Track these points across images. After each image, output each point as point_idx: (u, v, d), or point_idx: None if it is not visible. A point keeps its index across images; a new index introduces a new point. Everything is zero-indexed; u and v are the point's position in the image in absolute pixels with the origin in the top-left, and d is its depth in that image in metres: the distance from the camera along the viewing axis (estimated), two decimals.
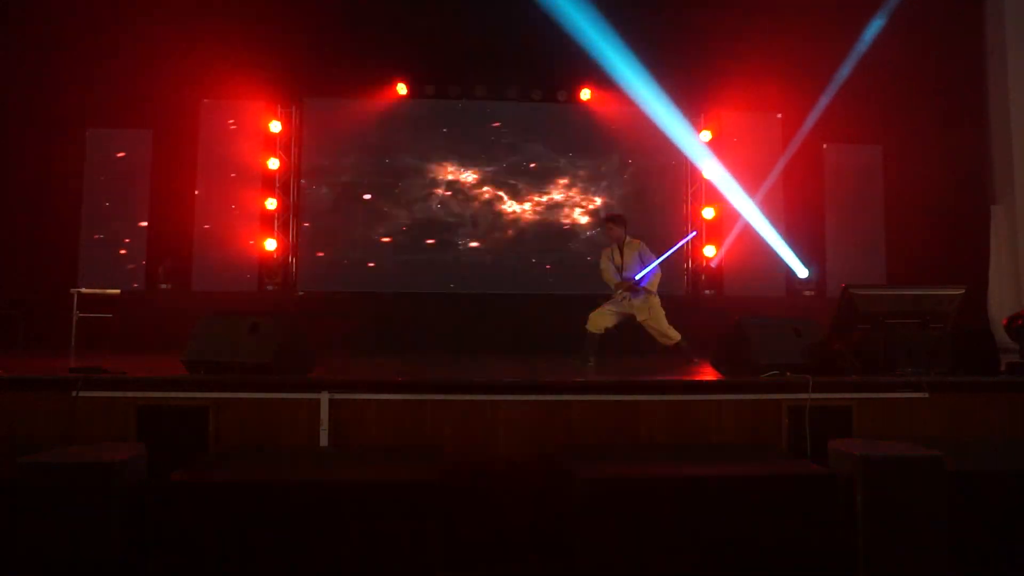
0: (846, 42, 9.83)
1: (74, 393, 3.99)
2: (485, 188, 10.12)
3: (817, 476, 3.41)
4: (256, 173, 9.98)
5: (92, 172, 9.73)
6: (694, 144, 10.36)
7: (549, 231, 10.11)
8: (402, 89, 9.96)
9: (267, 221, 9.96)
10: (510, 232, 10.08)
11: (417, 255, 9.93)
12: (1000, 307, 9.25)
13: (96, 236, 9.64)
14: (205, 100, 9.91)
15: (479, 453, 4.17)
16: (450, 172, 10.11)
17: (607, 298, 6.94)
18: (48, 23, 9.29)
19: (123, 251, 9.69)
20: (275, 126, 9.97)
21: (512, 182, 10.15)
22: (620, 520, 3.26)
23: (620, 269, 6.84)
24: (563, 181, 10.18)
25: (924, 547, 3.29)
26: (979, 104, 9.85)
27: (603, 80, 9.97)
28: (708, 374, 4.80)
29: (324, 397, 4.12)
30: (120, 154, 9.80)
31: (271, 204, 9.94)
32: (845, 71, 9.61)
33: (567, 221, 10.15)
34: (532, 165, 10.17)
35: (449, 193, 10.08)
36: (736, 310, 7.87)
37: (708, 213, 10.23)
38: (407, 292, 9.60)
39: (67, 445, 3.46)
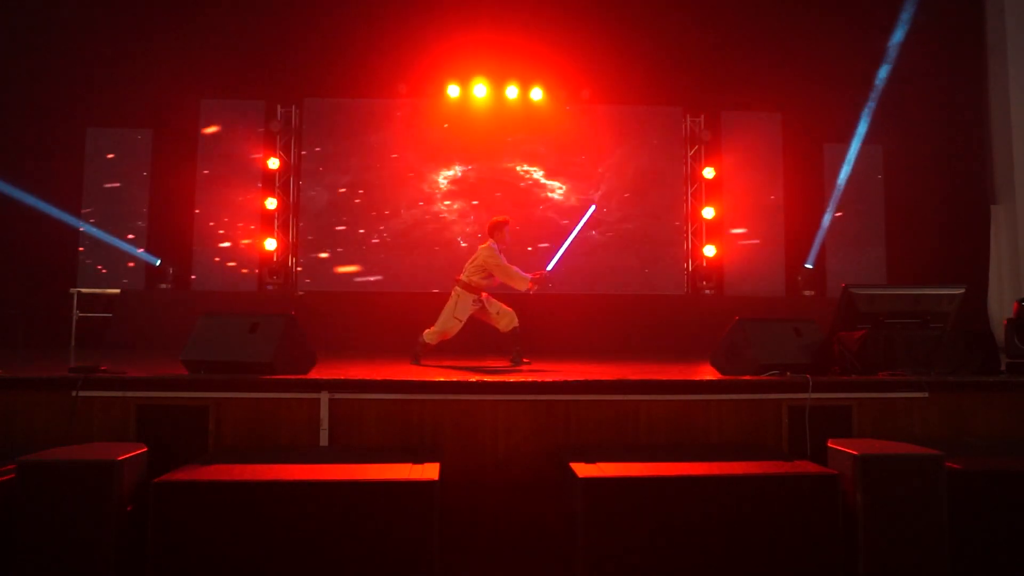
0: (847, 41, 9.83)
1: (74, 393, 3.99)
2: (485, 188, 10.12)
3: (817, 476, 3.40)
4: (256, 173, 9.99)
5: (92, 172, 9.73)
6: (694, 144, 10.37)
7: (549, 231, 10.11)
8: (402, 89, 9.96)
9: (267, 221, 9.97)
10: (510, 232, 10.06)
11: (417, 254, 9.93)
12: (1000, 307, 9.24)
13: (96, 236, 9.64)
14: (205, 100, 9.91)
15: (479, 453, 4.17)
16: (450, 172, 10.11)
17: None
18: (48, 23, 9.28)
19: (123, 251, 9.69)
20: (275, 126, 9.97)
21: (512, 182, 10.15)
22: (620, 520, 3.26)
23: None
24: (563, 181, 10.18)
25: (924, 546, 3.29)
26: (979, 104, 9.84)
27: (603, 80, 9.98)
28: (708, 374, 4.80)
29: (324, 397, 4.11)
30: (120, 154, 9.81)
31: (271, 204, 9.94)
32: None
33: (567, 221, 10.14)
34: (532, 165, 10.17)
35: (449, 193, 10.08)
36: (736, 310, 7.86)
37: (708, 213, 10.24)
38: (407, 292, 9.60)
39: (67, 445, 3.46)
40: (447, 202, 10.06)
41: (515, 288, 6.43)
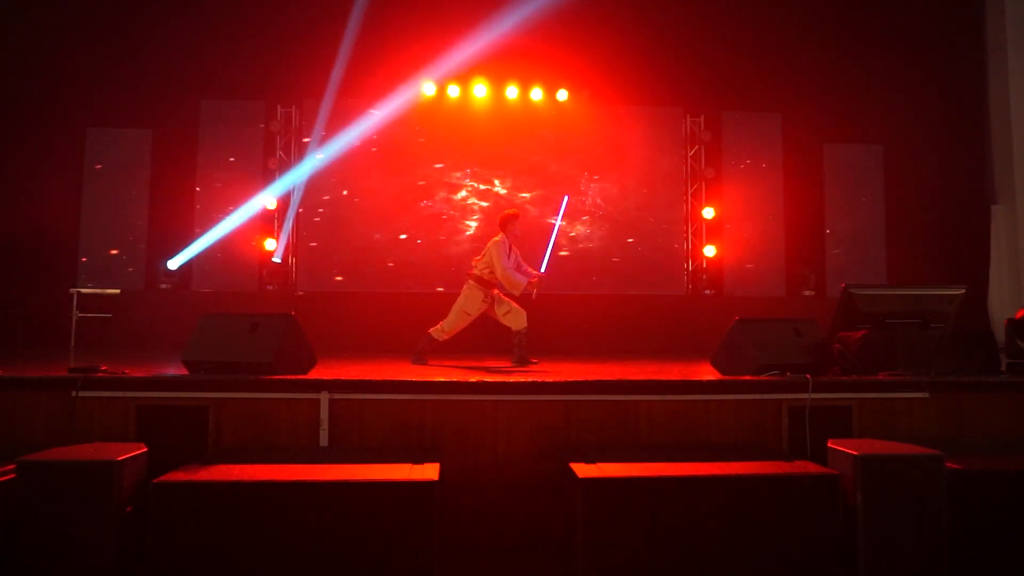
0: (846, 41, 9.84)
1: (74, 393, 3.99)
2: (485, 188, 10.12)
3: (817, 476, 3.41)
4: (256, 173, 9.98)
5: (92, 172, 9.73)
6: (694, 144, 10.36)
7: (549, 230, 10.08)
8: (402, 90, 9.95)
9: (267, 221, 9.96)
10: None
11: (417, 255, 9.93)
12: (1000, 307, 9.24)
13: (96, 236, 9.64)
14: (205, 100, 9.90)
15: (479, 453, 4.17)
16: (449, 172, 10.11)
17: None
18: (48, 23, 9.28)
19: (123, 251, 9.69)
20: (275, 127, 9.97)
21: (512, 182, 10.15)
22: (620, 520, 3.26)
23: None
24: (563, 181, 10.17)
25: (924, 546, 3.29)
26: (979, 104, 9.84)
27: (603, 80, 9.97)
28: (708, 374, 4.80)
29: (324, 397, 4.12)
30: (120, 154, 9.81)
31: (271, 204, 9.94)
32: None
33: (566, 221, 10.14)
34: (532, 165, 10.16)
35: (449, 193, 10.08)
36: (736, 310, 7.85)
37: (708, 213, 10.23)
38: (407, 292, 9.60)
39: (67, 445, 3.46)
40: (447, 203, 10.05)
41: (508, 290, 6.37)
